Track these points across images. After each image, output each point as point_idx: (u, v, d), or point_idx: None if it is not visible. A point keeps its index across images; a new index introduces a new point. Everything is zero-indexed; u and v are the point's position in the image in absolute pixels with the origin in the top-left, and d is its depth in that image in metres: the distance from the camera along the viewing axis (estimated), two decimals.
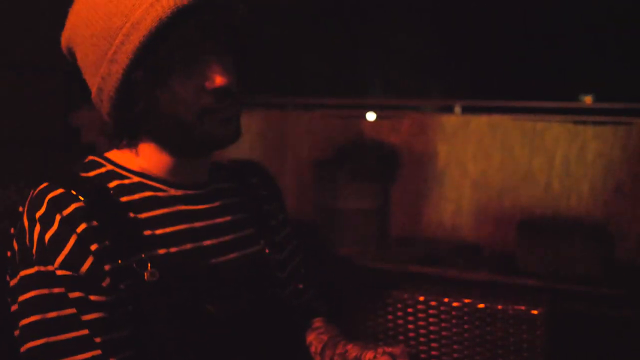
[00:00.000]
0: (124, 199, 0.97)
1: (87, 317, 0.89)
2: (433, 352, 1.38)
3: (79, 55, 1.00)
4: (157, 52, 0.89)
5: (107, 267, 0.91)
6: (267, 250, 1.13)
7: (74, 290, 0.89)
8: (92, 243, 0.90)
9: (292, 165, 5.68)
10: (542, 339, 1.30)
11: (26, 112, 1.60)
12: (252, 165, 1.24)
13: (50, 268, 0.89)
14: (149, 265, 0.94)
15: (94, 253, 0.90)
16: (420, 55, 7.41)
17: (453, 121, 5.60)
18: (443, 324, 1.37)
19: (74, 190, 0.92)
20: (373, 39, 7.85)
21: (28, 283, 0.89)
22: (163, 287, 0.94)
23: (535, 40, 7.25)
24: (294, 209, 5.05)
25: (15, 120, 1.58)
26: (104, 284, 0.90)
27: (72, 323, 0.89)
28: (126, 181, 1.00)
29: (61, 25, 1.01)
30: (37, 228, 0.90)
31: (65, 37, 1.02)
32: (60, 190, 0.92)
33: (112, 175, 0.99)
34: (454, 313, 1.36)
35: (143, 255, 0.94)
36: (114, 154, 1.04)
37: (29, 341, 0.88)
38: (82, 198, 0.91)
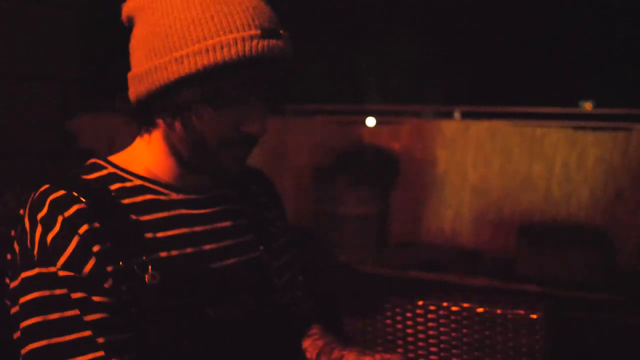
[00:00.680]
0: (125, 201, 0.98)
1: (89, 318, 0.89)
2: (432, 357, 1.38)
3: (138, 29, 0.98)
4: (220, 77, 0.90)
5: (109, 269, 0.91)
6: (265, 257, 1.14)
7: (77, 291, 0.89)
8: (94, 244, 0.90)
9: (291, 171, 5.69)
10: (541, 344, 1.30)
11: (23, 120, 1.60)
12: (253, 171, 1.24)
13: (52, 269, 0.89)
14: (150, 267, 0.94)
15: (96, 254, 0.90)
16: (420, 60, 7.43)
17: (453, 127, 5.60)
18: (442, 329, 1.37)
19: (76, 192, 0.92)
20: (372, 44, 7.87)
21: (29, 285, 0.89)
22: (163, 289, 0.94)
23: (535, 46, 7.27)
24: (294, 214, 5.06)
25: (11, 129, 1.58)
26: (106, 285, 0.90)
27: (74, 324, 0.89)
28: (128, 184, 1.00)
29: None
30: (39, 229, 0.90)
31: (137, 5, 0.99)
32: (61, 192, 0.92)
33: (113, 178, 1.00)
34: (453, 318, 1.36)
35: (144, 258, 0.94)
36: (116, 157, 1.04)
37: (31, 343, 0.88)
38: (83, 200, 0.91)
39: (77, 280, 0.89)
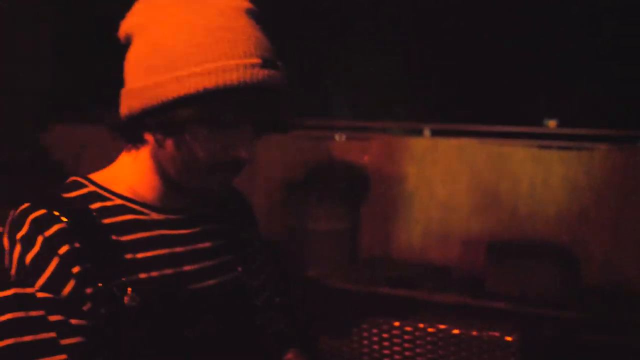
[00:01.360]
0: (106, 221, 0.96)
1: (66, 342, 0.87)
2: None
3: (137, 46, 0.97)
4: (218, 100, 0.91)
5: (88, 291, 0.89)
6: (244, 277, 1.13)
7: (55, 314, 0.87)
8: (74, 265, 0.88)
9: (262, 186, 5.66)
10: None
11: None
12: (231, 190, 1.24)
13: (29, 290, 0.87)
14: (129, 289, 0.93)
15: (76, 276, 0.88)
16: (389, 78, 7.51)
17: (422, 144, 5.66)
18: (418, 350, 1.38)
19: (57, 211, 0.90)
20: (342, 60, 7.92)
21: (4, 305, 0.87)
22: (143, 311, 0.93)
23: (502, 64, 7.41)
24: (264, 229, 5.02)
25: None
26: (84, 308, 0.89)
27: (48, 347, 0.87)
28: (108, 203, 0.99)
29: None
30: (18, 249, 0.88)
31: (137, 22, 0.98)
32: (42, 211, 0.90)
33: (94, 197, 0.98)
34: (429, 339, 1.37)
35: (124, 279, 0.93)
36: (97, 175, 1.03)
37: None
38: (64, 219, 0.90)
39: (55, 303, 0.87)
